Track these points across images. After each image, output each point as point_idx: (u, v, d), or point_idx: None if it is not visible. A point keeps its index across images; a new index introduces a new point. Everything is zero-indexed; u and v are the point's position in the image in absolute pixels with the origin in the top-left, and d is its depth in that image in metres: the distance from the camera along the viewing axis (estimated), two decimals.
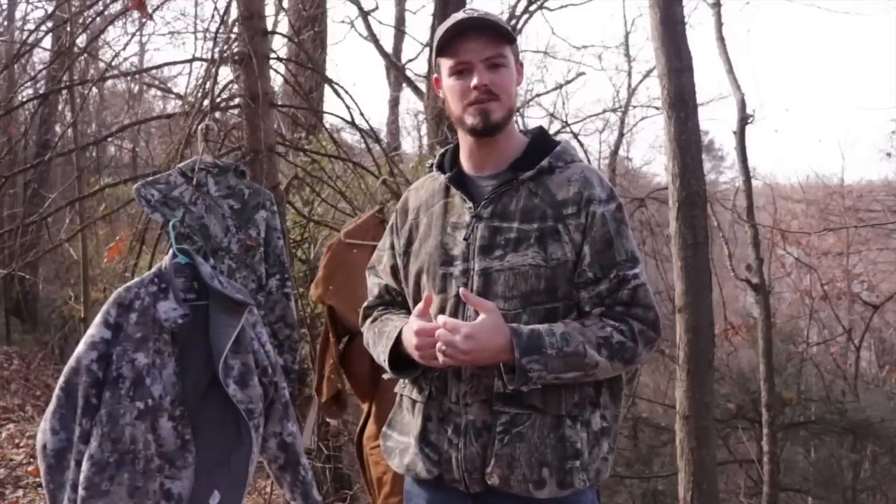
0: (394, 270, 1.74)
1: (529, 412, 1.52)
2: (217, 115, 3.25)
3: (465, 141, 1.65)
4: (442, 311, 1.58)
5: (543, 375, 1.46)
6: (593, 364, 1.48)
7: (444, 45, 1.58)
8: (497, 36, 1.57)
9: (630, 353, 1.52)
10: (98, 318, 1.76)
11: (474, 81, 1.54)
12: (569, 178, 1.58)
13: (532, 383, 1.46)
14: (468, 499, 1.58)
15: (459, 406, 1.56)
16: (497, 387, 1.53)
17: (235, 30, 3.09)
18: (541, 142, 1.65)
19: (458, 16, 1.58)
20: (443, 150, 1.75)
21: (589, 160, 11.31)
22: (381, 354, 1.67)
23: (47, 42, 6.32)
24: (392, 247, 1.75)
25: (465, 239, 1.59)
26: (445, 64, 1.60)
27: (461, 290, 1.51)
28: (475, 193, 1.62)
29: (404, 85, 10.57)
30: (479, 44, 1.55)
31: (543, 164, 1.59)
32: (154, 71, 9.48)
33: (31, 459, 4.48)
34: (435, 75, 1.67)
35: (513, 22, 11.05)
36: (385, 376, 1.71)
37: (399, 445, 1.67)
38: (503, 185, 1.59)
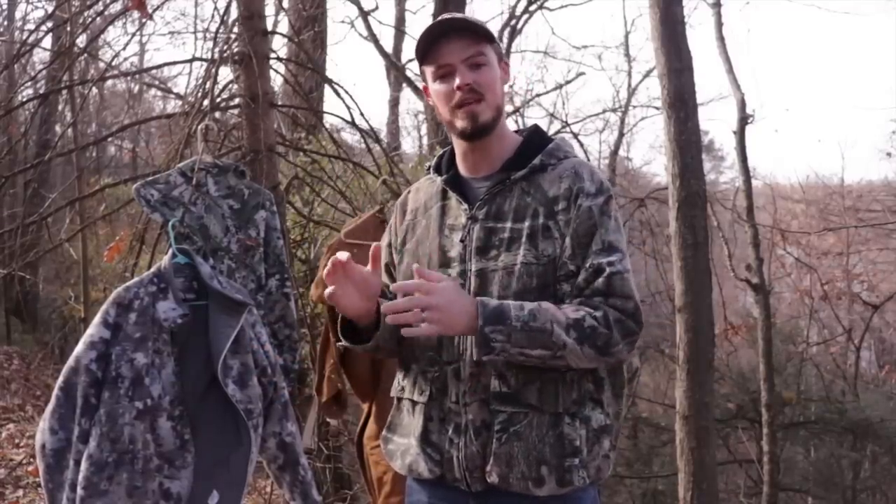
0: (387, 268, 1.75)
1: (526, 411, 1.52)
2: (217, 115, 3.25)
3: (457, 145, 1.67)
4: None
5: (507, 348, 1.45)
6: (560, 344, 1.46)
7: (425, 53, 1.59)
8: (475, 36, 1.57)
9: (603, 339, 1.48)
10: (97, 318, 1.76)
11: (457, 82, 1.55)
12: (560, 175, 1.59)
13: (495, 354, 1.46)
14: (470, 497, 1.58)
15: (459, 406, 1.56)
16: (494, 386, 1.53)
17: (235, 30, 3.09)
18: (534, 140, 1.66)
19: (434, 22, 1.59)
20: (440, 153, 1.75)
21: (589, 160, 11.29)
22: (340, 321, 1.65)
23: (47, 42, 6.32)
24: (389, 245, 1.76)
25: (461, 241, 1.60)
26: (429, 70, 1.61)
27: (414, 266, 1.48)
28: (470, 195, 1.63)
29: (404, 85, 10.57)
30: (458, 45, 1.56)
31: (535, 163, 1.60)
32: (154, 71, 9.51)
33: (31, 459, 4.48)
34: (423, 84, 1.68)
35: (513, 22, 11.07)
36: (338, 344, 1.69)
37: (400, 447, 1.67)
38: (496, 185, 1.60)
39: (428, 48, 1.58)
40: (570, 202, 1.56)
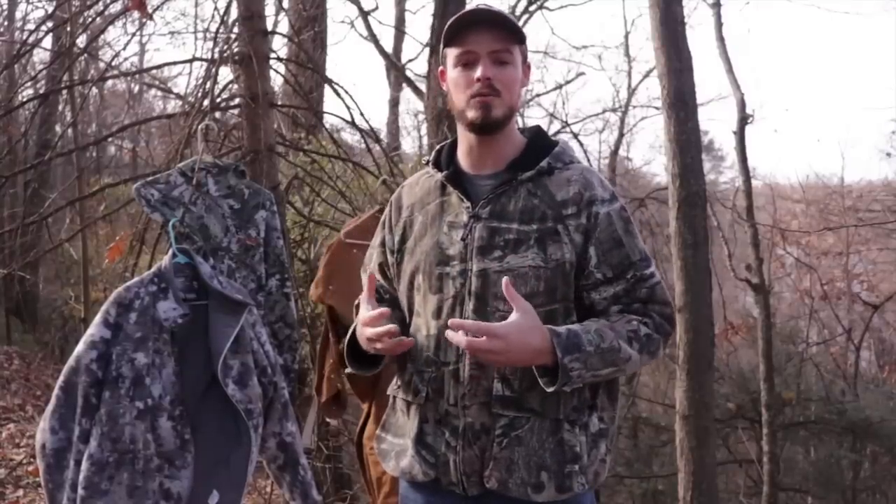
0: (381, 268, 1.72)
1: (528, 415, 1.50)
2: (217, 115, 3.26)
3: (464, 137, 1.63)
4: (438, 311, 1.55)
5: (583, 374, 1.44)
6: (626, 358, 1.48)
7: (453, 35, 1.55)
8: (507, 32, 1.54)
9: (656, 345, 1.53)
10: (98, 318, 1.76)
11: (478, 73, 1.52)
12: (568, 179, 1.57)
13: (572, 383, 1.45)
14: (466, 502, 1.56)
15: (458, 409, 1.53)
16: (496, 390, 1.51)
17: (235, 30, 3.10)
18: (539, 142, 1.63)
19: (472, 8, 1.57)
20: (439, 147, 1.71)
21: (589, 160, 11.31)
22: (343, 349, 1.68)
23: (47, 42, 6.31)
24: (383, 244, 1.73)
25: (462, 239, 1.56)
26: (452, 54, 1.57)
27: (504, 279, 1.45)
28: (473, 193, 1.59)
29: (404, 85, 10.58)
30: (488, 37, 1.53)
31: (543, 165, 1.57)
32: (154, 71, 9.48)
33: (31, 459, 4.48)
34: (441, 67, 1.64)
35: None
36: (345, 371, 1.72)
37: (394, 448, 1.65)
38: (502, 185, 1.57)
39: (458, 32, 1.55)
40: (582, 208, 1.54)
